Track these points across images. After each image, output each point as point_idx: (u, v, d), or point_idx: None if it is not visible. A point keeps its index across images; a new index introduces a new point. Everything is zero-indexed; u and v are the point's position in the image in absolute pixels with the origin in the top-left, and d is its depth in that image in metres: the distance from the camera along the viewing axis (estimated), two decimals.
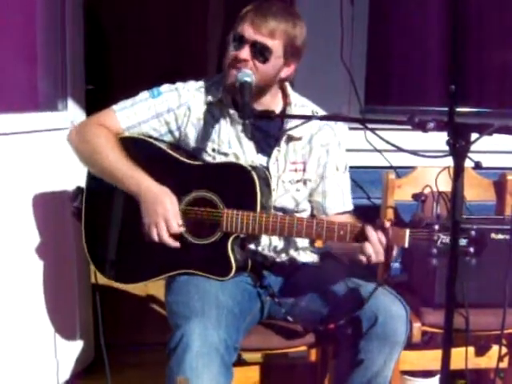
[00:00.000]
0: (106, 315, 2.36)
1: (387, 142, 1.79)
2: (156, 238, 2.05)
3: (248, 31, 2.04)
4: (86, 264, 2.56)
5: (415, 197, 2.60)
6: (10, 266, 2.54)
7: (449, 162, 1.66)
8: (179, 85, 2.22)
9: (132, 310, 3.66)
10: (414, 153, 1.74)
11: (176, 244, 2.06)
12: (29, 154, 2.58)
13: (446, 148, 1.64)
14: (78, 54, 2.81)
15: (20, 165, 2.55)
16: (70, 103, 2.77)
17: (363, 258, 1.93)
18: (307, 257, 2.30)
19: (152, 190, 2.06)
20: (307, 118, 2.09)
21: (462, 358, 2.17)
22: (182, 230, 2.07)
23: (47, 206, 2.63)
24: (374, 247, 1.90)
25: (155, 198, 2.05)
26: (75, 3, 2.76)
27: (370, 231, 1.91)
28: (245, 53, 2.05)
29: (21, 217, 2.57)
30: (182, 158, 2.15)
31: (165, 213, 2.04)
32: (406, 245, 1.89)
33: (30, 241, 2.62)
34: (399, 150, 1.77)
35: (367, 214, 2.39)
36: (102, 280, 2.25)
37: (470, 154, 1.64)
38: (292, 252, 2.26)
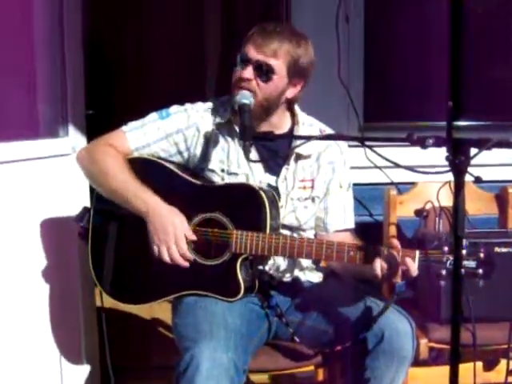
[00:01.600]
0: (111, 338, 2.35)
1: (386, 160, 1.81)
2: (167, 258, 2.05)
3: (251, 51, 2.07)
4: (92, 286, 2.57)
5: (417, 213, 2.61)
6: (14, 289, 2.53)
7: (450, 176, 1.67)
8: (188, 106, 2.24)
9: (138, 333, 3.64)
10: (414, 170, 1.75)
11: (186, 264, 2.07)
12: (31, 182, 2.58)
13: (447, 163, 1.65)
14: (79, 80, 2.82)
15: (23, 193, 2.55)
16: (71, 129, 2.77)
17: (373, 276, 1.94)
18: (313, 276, 2.30)
19: (160, 210, 2.07)
20: (308, 138, 2.12)
21: (470, 373, 2.16)
22: (191, 256, 2.07)
23: (51, 231, 2.63)
24: (383, 269, 1.92)
25: (164, 218, 2.06)
26: (75, 29, 2.77)
27: (380, 253, 1.92)
28: (248, 72, 2.07)
29: (25, 243, 2.56)
30: (191, 179, 2.16)
31: (175, 232, 2.04)
32: (416, 267, 1.90)
33: (34, 267, 2.61)
34: (398, 166, 1.78)
35: (370, 231, 2.40)
36: (108, 302, 2.25)
37: (470, 168, 1.65)
38: (297, 271, 2.26)
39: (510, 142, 1.71)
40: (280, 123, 2.22)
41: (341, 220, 2.28)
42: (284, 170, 2.20)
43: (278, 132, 2.18)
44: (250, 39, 2.09)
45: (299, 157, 2.20)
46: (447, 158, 1.63)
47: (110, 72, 5.25)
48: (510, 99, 3.62)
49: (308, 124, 2.26)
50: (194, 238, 2.07)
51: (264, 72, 2.07)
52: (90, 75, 2.90)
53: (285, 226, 2.19)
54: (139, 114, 2.27)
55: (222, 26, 5.03)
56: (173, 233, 2.05)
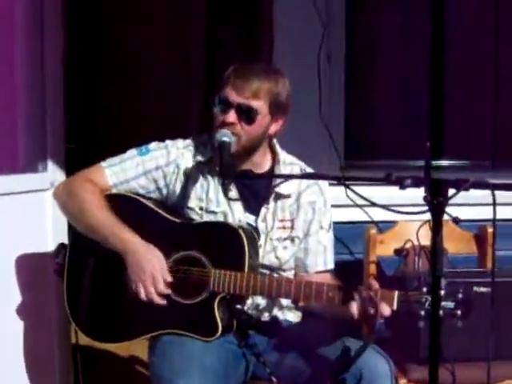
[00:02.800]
0: (87, 377, 2.32)
1: (366, 200, 1.82)
2: (144, 296, 2.04)
3: (231, 95, 2.07)
4: (67, 324, 2.53)
5: (397, 252, 2.61)
6: None
7: (429, 215, 1.67)
8: (168, 142, 2.24)
9: (115, 372, 3.58)
10: (392, 209, 1.76)
11: (163, 302, 2.05)
12: (8, 216, 2.56)
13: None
14: (58, 115, 2.82)
15: (0, 227, 2.53)
16: (50, 164, 2.77)
17: (350, 317, 1.93)
18: (291, 315, 2.28)
19: (138, 248, 2.06)
20: (288, 177, 2.14)
21: None
22: (169, 291, 2.05)
23: (28, 267, 2.60)
24: (360, 310, 1.91)
25: (142, 256, 2.05)
26: (55, 62, 2.79)
27: (358, 294, 1.92)
28: (231, 117, 2.07)
29: (1, 278, 2.54)
30: (169, 216, 2.15)
31: (152, 271, 2.03)
32: (395, 307, 1.90)
33: (8, 302, 2.58)
34: (377, 206, 1.79)
35: (350, 269, 2.40)
36: (84, 340, 2.22)
37: (449, 207, 1.66)
38: (276, 311, 2.24)
39: (488, 183, 1.73)
40: (261, 162, 2.22)
41: (321, 261, 2.26)
42: (264, 209, 2.19)
43: (258, 171, 2.18)
44: (228, 82, 2.09)
45: (279, 196, 2.20)
46: (425, 199, 1.64)
47: (92, 106, 5.27)
48: (486, 138, 3.67)
49: (288, 162, 2.26)
50: (169, 279, 2.06)
51: (247, 114, 2.08)
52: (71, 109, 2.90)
53: (264, 266, 2.17)
54: (121, 149, 2.26)
55: (206, 64, 5.08)
56: (150, 271, 2.03)
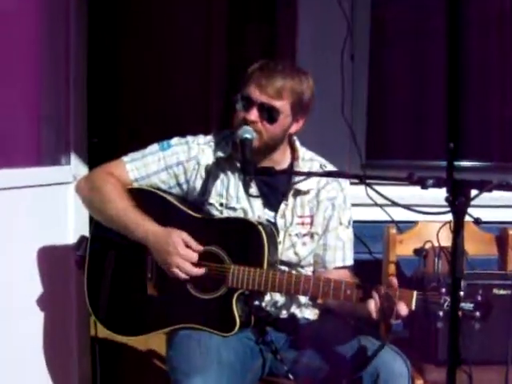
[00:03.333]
0: (105, 369, 2.33)
1: (386, 198, 1.81)
2: (181, 275, 2.05)
3: (255, 93, 2.07)
4: (87, 316, 2.55)
5: (417, 252, 2.60)
6: (9, 315, 2.52)
7: (451, 216, 1.66)
8: (189, 138, 2.25)
9: (132, 365, 3.61)
10: (413, 209, 1.75)
11: (201, 271, 2.06)
12: (32, 208, 2.59)
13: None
14: (82, 109, 2.85)
15: (23, 219, 2.56)
16: (73, 157, 2.80)
17: (367, 316, 1.93)
18: (309, 313, 2.28)
19: (158, 234, 2.07)
20: (308, 175, 2.13)
21: None
22: (200, 248, 2.06)
23: (50, 259, 2.63)
24: (378, 308, 1.91)
25: (163, 239, 2.06)
26: (80, 57, 2.81)
27: (376, 292, 1.91)
28: (253, 115, 2.07)
29: (22, 270, 2.56)
30: (189, 212, 2.16)
31: (176, 247, 2.04)
32: (413, 307, 1.89)
33: (30, 293, 2.61)
34: (398, 206, 1.78)
35: (369, 268, 2.39)
36: (102, 332, 2.24)
37: (470, 208, 1.65)
38: (294, 308, 2.24)
39: (511, 185, 1.72)
40: (281, 159, 2.22)
41: (339, 257, 2.26)
42: (283, 205, 2.20)
43: (278, 167, 2.17)
44: (252, 79, 2.09)
45: (298, 192, 2.20)
46: (447, 199, 1.64)
47: (115, 101, 5.30)
48: (509, 140, 3.64)
49: (308, 159, 2.26)
50: (197, 247, 2.06)
51: (269, 114, 2.08)
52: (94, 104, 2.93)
53: (283, 262, 2.18)
54: (143, 144, 2.28)
55: (228, 62, 5.10)
56: (174, 250, 2.04)
